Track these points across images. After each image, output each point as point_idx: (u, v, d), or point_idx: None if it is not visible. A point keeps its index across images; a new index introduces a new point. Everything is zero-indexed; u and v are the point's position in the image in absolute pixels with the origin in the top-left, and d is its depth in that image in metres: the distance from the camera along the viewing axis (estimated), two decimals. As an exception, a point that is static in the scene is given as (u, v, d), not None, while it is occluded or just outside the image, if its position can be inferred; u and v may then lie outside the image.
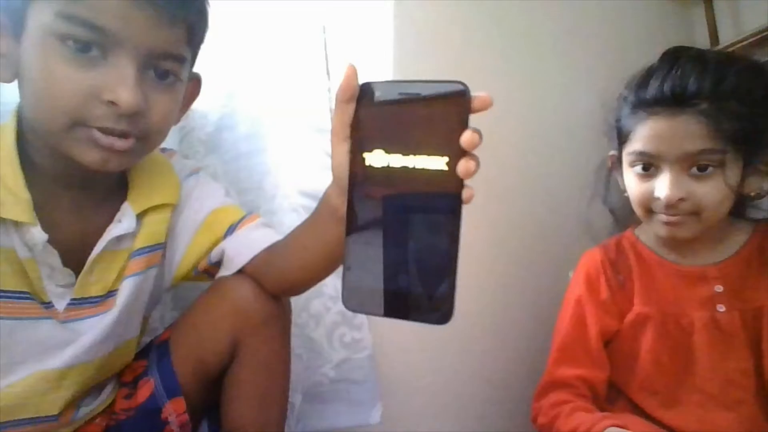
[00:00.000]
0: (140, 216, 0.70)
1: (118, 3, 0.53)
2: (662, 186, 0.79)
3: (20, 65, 0.57)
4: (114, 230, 0.66)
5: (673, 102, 0.78)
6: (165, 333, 0.75)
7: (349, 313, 0.91)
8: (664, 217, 0.81)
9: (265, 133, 0.92)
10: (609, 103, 0.95)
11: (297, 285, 0.74)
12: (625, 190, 0.91)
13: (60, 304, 0.64)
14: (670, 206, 0.79)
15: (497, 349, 1.24)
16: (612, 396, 0.92)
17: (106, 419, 0.71)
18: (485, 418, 1.20)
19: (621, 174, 0.91)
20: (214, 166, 0.94)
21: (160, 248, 0.75)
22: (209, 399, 0.74)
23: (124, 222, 0.67)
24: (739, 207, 0.89)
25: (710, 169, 0.77)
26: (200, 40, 0.66)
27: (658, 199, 0.79)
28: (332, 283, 0.93)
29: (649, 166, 0.82)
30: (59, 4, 0.52)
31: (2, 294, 0.59)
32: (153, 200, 0.71)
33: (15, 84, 0.60)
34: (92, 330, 0.66)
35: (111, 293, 0.69)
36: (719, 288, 0.84)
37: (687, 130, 0.77)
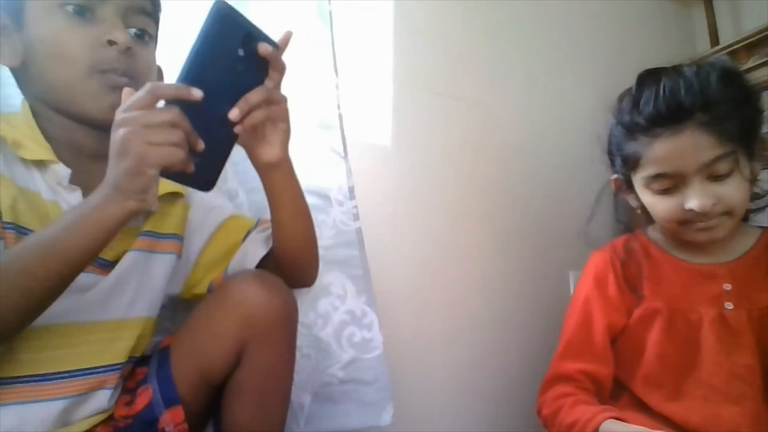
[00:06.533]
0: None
1: None
2: (692, 198, 0.81)
3: (28, 47, 0.67)
4: None
5: (670, 121, 0.80)
6: (166, 339, 0.74)
7: (358, 313, 0.92)
8: (701, 225, 0.83)
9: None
10: (601, 136, 0.97)
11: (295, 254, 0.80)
12: (637, 208, 0.93)
13: None
14: (705, 214, 0.81)
15: (510, 348, 1.25)
16: (615, 392, 0.93)
17: (108, 428, 0.69)
18: (498, 418, 1.20)
19: (629, 194, 0.94)
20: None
21: (172, 239, 0.79)
22: (214, 404, 0.73)
23: None
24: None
25: (728, 170, 0.80)
26: (159, 8, 0.77)
27: (691, 210, 0.81)
28: (340, 283, 0.93)
29: (669, 183, 0.83)
30: None
31: (21, 229, 0.61)
32: (167, 187, 0.74)
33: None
34: (93, 289, 0.69)
35: (117, 262, 0.72)
36: (728, 286, 0.86)
37: (696, 143, 0.79)
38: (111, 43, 0.67)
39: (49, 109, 0.69)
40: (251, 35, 0.60)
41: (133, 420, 0.68)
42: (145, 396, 0.69)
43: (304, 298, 0.87)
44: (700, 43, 1.55)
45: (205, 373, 0.70)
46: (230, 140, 0.63)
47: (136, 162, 0.54)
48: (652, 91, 0.83)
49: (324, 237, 0.92)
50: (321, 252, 0.86)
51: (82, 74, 0.66)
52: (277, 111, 0.67)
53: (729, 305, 0.85)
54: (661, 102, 0.81)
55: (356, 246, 0.94)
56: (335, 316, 0.91)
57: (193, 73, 0.57)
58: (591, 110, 1.35)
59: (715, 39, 1.46)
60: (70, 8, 0.66)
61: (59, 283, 0.56)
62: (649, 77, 0.85)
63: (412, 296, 1.16)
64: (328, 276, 0.92)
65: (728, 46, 1.30)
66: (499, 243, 1.28)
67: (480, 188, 1.27)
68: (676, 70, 0.84)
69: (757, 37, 1.23)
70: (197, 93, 0.56)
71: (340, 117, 0.96)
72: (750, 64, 1.24)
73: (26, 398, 0.61)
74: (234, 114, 0.60)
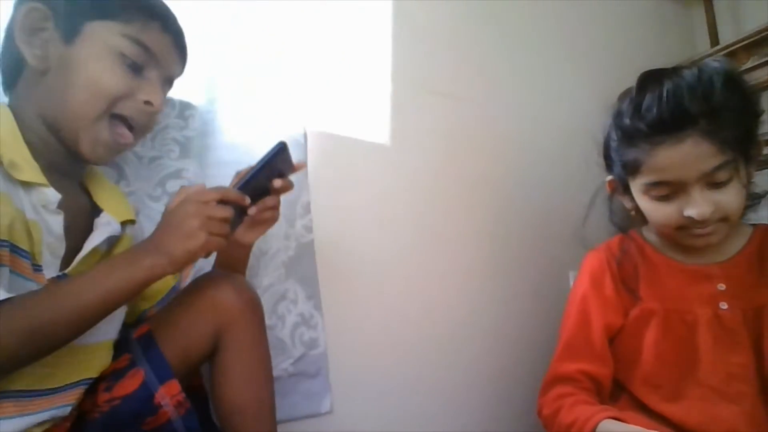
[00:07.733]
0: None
1: (164, 37, 0.77)
2: (692, 205, 0.80)
3: (63, 63, 0.71)
4: (108, 229, 0.77)
5: (673, 128, 0.77)
6: (143, 327, 0.78)
7: (308, 315, 1.06)
8: (698, 231, 0.83)
9: (249, 143, 1.01)
10: (598, 138, 0.95)
11: None
12: (631, 210, 0.93)
13: (48, 272, 0.67)
14: (703, 221, 0.80)
15: (510, 348, 1.25)
16: (614, 392, 0.93)
17: (70, 420, 0.71)
18: (498, 418, 1.21)
19: (625, 196, 0.93)
20: (192, 170, 0.99)
21: None
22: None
23: (112, 225, 0.78)
24: None
25: (728, 178, 0.79)
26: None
27: (690, 217, 0.80)
28: (293, 288, 1.05)
29: (668, 190, 0.82)
30: (127, 29, 0.73)
31: (14, 247, 0.63)
32: (127, 215, 0.82)
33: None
34: None
35: None
36: (722, 286, 0.86)
37: (697, 153, 0.77)
38: (147, 103, 0.76)
39: (43, 123, 0.72)
40: (287, 162, 0.79)
41: (122, 401, 0.71)
42: (137, 378, 0.72)
43: (266, 303, 0.93)
44: (700, 43, 1.54)
45: (186, 355, 0.77)
46: (238, 225, 0.80)
47: (199, 247, 0.67)
48: (654, 96, 0.79)
49: (291, 248, 1.06)
50: (286, 261, 1.04)
51: (98, 113, 0.72)
52: (275, 214, 0.85)
53: (724, 305, 0.85)
54: (664, 108, 0.78)
55: (311, 256, 1.07)
56: (289, 318, 1.04)
57: (248, 185, 0.74)
58: (591, 110, 1.34)
59: (715, 39, 1.44)
60: (127, 60, 0.73)
61: (95, 320, 0.65)
62: (650, 80, 0.82)
63: (410, 296, 1.16)
64: (286, 283, 1.05)
65: (728, 46, 1.29)
66: (499, 243, 1.28)
67: (480, 187, 1.27)
68: (677, 73, 0.80)
69: (756, 37, 1.22)
70: (248, 202, 0.73)
71: (305, 136, 1.07)
72: (749, 64, 1.23)
73: (12, 413, 0.63)
74: (253, 211, 0.76)
